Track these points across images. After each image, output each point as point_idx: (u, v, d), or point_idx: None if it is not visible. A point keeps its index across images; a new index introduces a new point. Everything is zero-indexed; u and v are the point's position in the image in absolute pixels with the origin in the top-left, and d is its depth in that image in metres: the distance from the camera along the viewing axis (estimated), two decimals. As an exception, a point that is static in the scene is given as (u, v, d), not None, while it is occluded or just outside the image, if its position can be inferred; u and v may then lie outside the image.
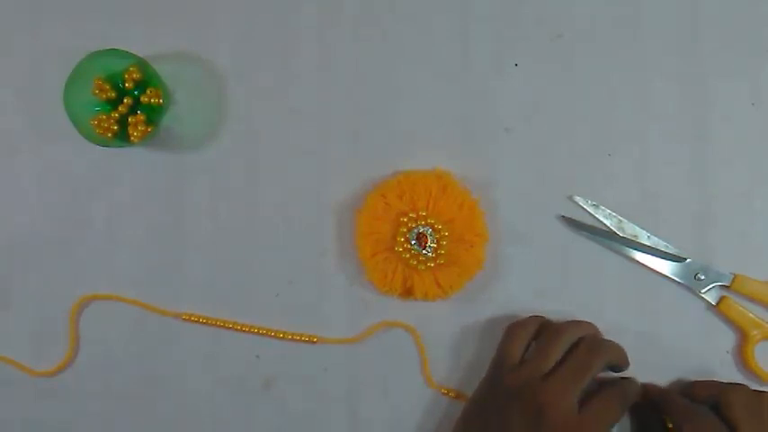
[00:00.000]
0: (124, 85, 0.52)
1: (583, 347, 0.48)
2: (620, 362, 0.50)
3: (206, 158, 0.55)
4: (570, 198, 0.54)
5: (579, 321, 0.52)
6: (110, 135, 0.52)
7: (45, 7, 0.55)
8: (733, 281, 0.53)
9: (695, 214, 0.54)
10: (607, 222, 0.54)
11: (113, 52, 0.51)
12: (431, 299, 0.52)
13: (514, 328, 0.51)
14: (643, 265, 0.54)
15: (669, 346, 0.54)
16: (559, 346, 0.48)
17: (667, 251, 0.53)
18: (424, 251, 0.51)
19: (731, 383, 0.50)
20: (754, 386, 0.53)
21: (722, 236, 0.54)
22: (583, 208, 0.54)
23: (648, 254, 0.53)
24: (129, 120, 0.52)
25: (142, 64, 0.52)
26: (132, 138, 0.51)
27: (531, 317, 0.52)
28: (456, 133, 0.55)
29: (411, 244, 0.51)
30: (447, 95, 0.55)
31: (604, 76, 0.55)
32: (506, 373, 0.48)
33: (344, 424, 0.54)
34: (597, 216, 0.54)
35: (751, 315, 0.53)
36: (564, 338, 0.49)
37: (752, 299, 0.53)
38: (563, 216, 0.54)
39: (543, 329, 0.51)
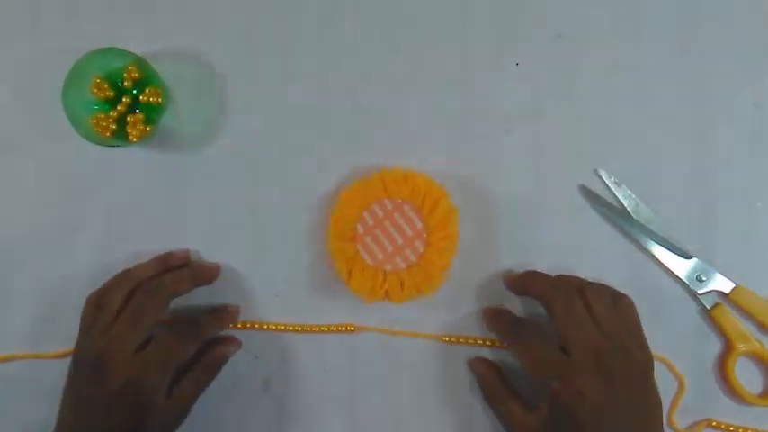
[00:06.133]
0: (123, 83, 0.52)
1: (138, 291, 0.49)
2: (198, 283, 0.51)
3: (205, 158, 0.54)
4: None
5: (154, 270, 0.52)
6: (108, 134, 0.51)
7: (44, 7, 0.55)
8: (733, 290, 0.52)
9: (701, 216, 0.54)
10: (624, 202, 0.54)
11: (112, 51, 0.51)
12: (408, 299, 0.52)
13: (89, 296, 0.50)
14: (649, 252, 0.53)
15: (658, 343, 0.52)
16: (115, 297, 0.49)
17: (677, 245, 0.53)
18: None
19: (553, 281, 0.50)
20: (730, 399, 0.53)
21: (729, 241, 0.53)
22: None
23: (658, 243, 0.53)
24: (128, 119, 0.51)
25: (141, 63, 0.52)
26: (131, 137, 0.51)
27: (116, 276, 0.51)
28: (456, 133, 0.55)
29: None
30: (447, 95, 0.55)
31: (604, 76, 0.55)
32: (79, 339, 0.49)
33: (344, 424, 0.54)
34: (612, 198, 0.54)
35: (741, 328, 0.52)
36: (118, 290, 0.49)
37: (747, 312, 0.53)
38: (583, 186, 0.54)
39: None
